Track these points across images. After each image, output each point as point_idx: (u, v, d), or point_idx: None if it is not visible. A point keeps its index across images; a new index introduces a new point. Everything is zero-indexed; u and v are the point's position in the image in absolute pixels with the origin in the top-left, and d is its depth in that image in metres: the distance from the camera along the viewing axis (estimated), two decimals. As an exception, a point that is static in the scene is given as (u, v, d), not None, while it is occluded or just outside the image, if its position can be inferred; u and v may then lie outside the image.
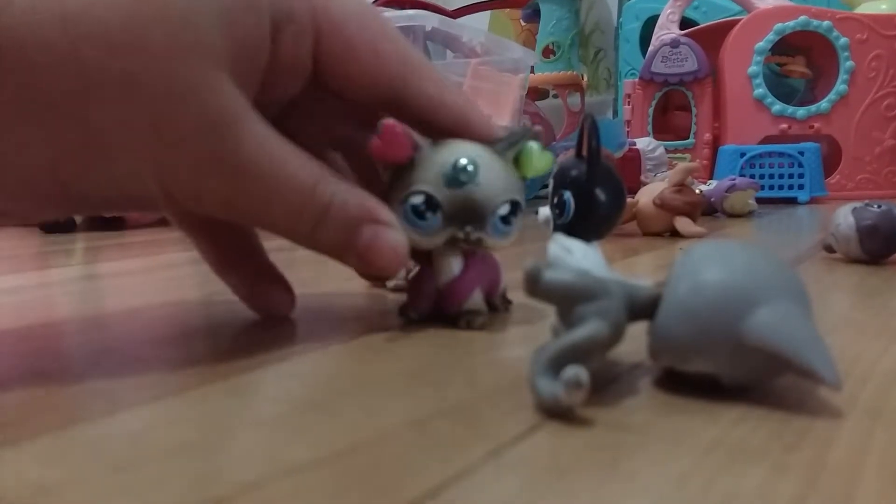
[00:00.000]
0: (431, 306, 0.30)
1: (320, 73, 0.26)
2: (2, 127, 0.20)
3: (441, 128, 0.28)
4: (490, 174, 0.27)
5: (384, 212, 0.25)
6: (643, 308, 0.21)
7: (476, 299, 0.29)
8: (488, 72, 0.88)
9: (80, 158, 0.21)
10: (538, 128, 0.29)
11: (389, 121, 0.26)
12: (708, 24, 1.21)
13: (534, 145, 0.28)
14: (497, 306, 0.31)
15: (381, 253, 0.25)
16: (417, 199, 0.27)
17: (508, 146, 0.27)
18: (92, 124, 0.21)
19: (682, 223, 0.59)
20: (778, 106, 1.07)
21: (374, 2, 1.11)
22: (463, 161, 0.26)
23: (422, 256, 0.29)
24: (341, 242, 0.25)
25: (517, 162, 0.28)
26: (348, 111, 0.29)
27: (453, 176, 0.26)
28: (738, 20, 1.12)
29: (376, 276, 0.30)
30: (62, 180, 0.22)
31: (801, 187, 0.98)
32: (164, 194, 0.23)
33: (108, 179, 0.22)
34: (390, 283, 0.36)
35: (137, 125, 0.21)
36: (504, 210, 0.27)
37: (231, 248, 0.30)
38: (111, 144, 0.21)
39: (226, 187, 0.23)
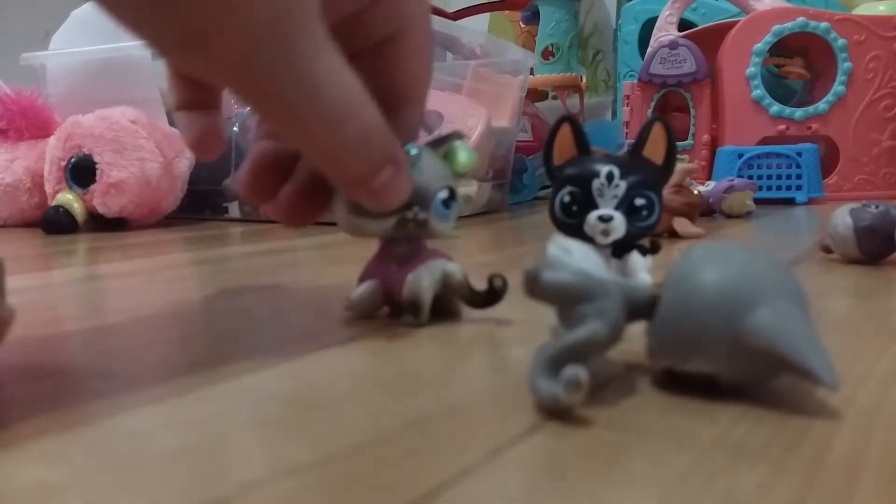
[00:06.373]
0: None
1: (373, 57, 0.27)
2: None
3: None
4: (430, 164, 0.29)
5: (401, 151, 0.26)
6: (642, 308, 0.21)
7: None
8: (488, 73, 0.88)
9: None
10: (461, 130, 0.31)
11: None
12: (706, 25, 1.21)
13: (459, 144, 0.30)
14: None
15: (392, 195, 0.26)
16: None
17: (437, 145, 0.30)
18: None
19: (681, 224, 0.59)
20: (776, 107, 1.07)
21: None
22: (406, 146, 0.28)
23: None
24: (359, 177, 0.25)
25: (446, 159, 0.30)
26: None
27: None
28: (737, 22, 1.12)
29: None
30: None
31: (798, 188, 0.98)
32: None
33: None
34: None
35: None
36: (444, 194, 0.29)
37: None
38: None
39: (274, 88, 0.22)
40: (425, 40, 0.28)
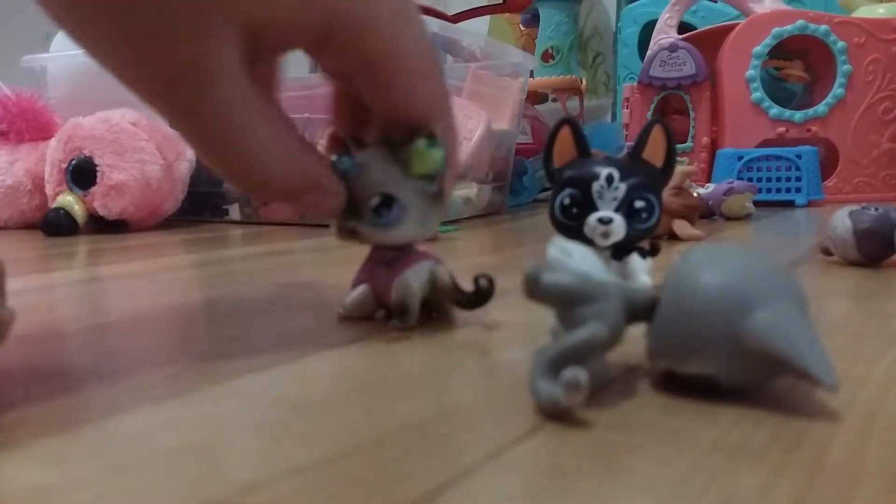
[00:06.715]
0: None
1: (351, 81, 0.27)
2: None
3: None
4: (368, 171, 0.28)
5: (324, 176, 0.27)
6: (642, 310, 0.21)
7: None
8: (488, 76, 0.88)
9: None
10: (434, 126, 0.28)
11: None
12: (706, 28, 1.21)
13: (421, 143, 0.27)
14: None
15: (320, 212, 0.28)
16: None
17: (402, 144, 0.28)
18: None
19: (680, 226, 0.59)
20: (775, 110, 1.07)
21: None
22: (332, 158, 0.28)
23: None
24: (287, 197, 0.27)
25: (409, 160, 0.28)
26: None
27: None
28: (736, 24, 1.12)
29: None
30: None
31: (798, 190, 0.98)
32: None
33: None
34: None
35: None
36: (374, 202, 0.28)
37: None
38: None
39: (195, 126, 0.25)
40: (409, 68, 0.27)
